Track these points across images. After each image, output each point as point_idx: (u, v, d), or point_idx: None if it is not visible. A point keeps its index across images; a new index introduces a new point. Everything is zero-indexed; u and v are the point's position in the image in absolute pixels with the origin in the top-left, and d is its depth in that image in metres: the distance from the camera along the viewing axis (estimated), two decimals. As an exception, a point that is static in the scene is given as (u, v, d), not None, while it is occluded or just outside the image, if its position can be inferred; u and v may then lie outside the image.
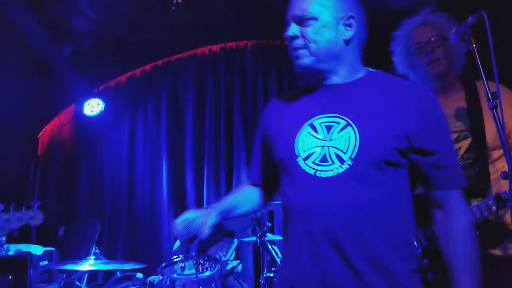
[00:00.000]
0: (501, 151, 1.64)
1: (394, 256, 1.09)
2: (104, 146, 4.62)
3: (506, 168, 1.56)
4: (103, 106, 4.53)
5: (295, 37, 1.21)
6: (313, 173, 1.13)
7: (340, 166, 1.11)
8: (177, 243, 3.39)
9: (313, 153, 1.15)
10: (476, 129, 1.68)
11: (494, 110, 1.20)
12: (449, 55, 1.77)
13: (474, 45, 1.29)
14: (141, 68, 4.80)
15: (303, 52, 1.21)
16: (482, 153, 1.66)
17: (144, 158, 4.55)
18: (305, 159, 1.16)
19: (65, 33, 3.85)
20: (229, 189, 4.33)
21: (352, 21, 1.21)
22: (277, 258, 2.83)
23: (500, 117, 1.15)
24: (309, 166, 1.15)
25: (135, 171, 4.54)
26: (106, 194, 4.49)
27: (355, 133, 1.12)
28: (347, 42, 1.21)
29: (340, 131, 1.15)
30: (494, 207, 1.52)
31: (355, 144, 1.11)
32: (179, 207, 4.30)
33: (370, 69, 1.28)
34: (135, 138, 4.63)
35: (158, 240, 4.27)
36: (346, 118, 1.15)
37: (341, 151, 1.12)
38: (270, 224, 3.26)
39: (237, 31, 4.47)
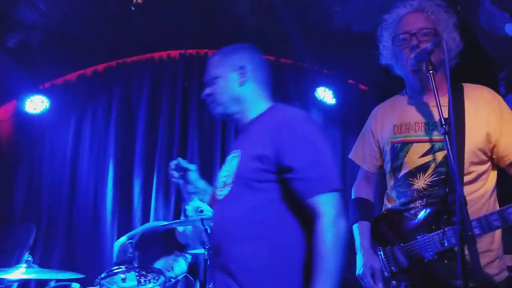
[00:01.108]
0: (483, 168, 1.56)
1: (262, 263, 1.26)
2: (46, 147, 4.33)
3: (486, 189, 1.57)
4: (48, 104, 4.27)
5: (207, 95, 1.56)
6: (217, 197, 1.48)
7: (226, 189, 1.41)
8: (116, 247, 3.24)
9: (220, 181, 1.49)
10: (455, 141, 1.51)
11: (446, 136, 1.24)
12: (436, 54, 1.53)
13: (431, 71, 1.34)
14: (93, 67, 4.60)
15: (213, 104, 1.56)
16: (456, 170, 1.47)
17: (89, 161, 4.32)
18: (217, 188, 1.50)
19: (10, 24, 3.61)
20: (179, 199, 4.21)
21: (244, 69, 1.52)
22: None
23: (452, 144, 1.19)
24: (217, 193, 1.48)
25: (79, 175, 4.29)
26: (45, 197, 4.20)
27: (237, 161, 1.40)
28: (242, 86, 1.51)
29: (232, 161, 1.44)
30: (497, 223, 1.41)
31: (235, 170, 1.39)
32: (124, 216, 4.13)
33: (273, 103, 1.55)
34: (81, 140, 4.38)
35: (100, 249, 4.05)
36: (239, 151, 1.44)
37: (229, 177, 1.42)
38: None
39: (199, 38, 4.43)
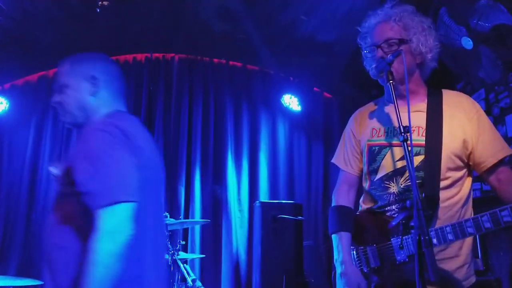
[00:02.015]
0: (459, 174, 1.57)
1: (61, 271, 1.27)
2: (4, 149, 4.16)
3: (461, 195, 1.58)
4: (7, 105, 4.12)
5: (56, 103, 1.49)
6: None
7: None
8: None
9: None
10: (430, 148, 1.54)
11: (405, 143, 1.29)
12: (406, 60, 1.49)
13: (391, 81, 1.40)
14: (56, 68, 4.44)
15: (62, 113, 1.49)
16: (433, 174, 1.52)
17: (49, 165, 4.18)
18: None
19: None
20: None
21: (95, 80, 1.47)
22: (187, 277, 2.75)
23: (410, 151, 1.24)
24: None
25: (38, 178, 4.15)
26: (2, 201, 4.02)
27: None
28: (93, 95, 1.47)
29: None
30: (471, 230, 1.42)
31: None
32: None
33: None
34: (42, 143, 4.25)
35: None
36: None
37: None
38: (183, 242, 3.19)
39: (165, 42, 4.40)
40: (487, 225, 1.38)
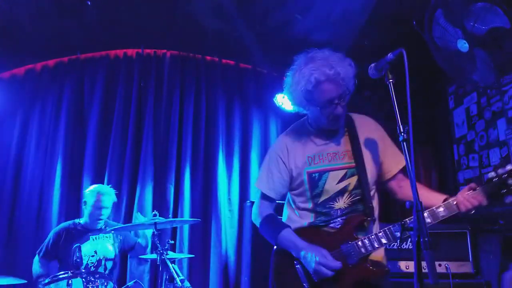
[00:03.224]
0: (375, 186, 1.94)
1: None
2: (-13, 143, 4.06)
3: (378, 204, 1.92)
4: (-7, 98, 4.01)
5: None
6: None
7: None
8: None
9: None
10: (360, 168, 1.85)
11: (405, 143, 1.28)
12: (346, 106, 1.85)
13: (391, 80, 1.39)
14: (44, 62, 4.37)
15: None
16: (367, 189, 1.86)
17: (35, 162, 4.08)
18: None
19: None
20: (130, 206, 4.06)
21: None
22: (176, 277, 2.70)
23: (411, 150, 1.23)
24: None
25: (23, 175, 4.04)
26: (-16, 197, 3.92)
27: None
28: None
29: None
30: (398, 233, 1.69)
31: None
32: (72, 218, 3.90)
33: None
34: (27, 137, 4.14)
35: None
36: None
37: None
38: (172, 242, 3.13)
39: (157, 38, 4.33)
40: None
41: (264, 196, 2.03)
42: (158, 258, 2.58)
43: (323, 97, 1.79)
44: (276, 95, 4.48)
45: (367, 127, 1.97)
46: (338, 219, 1.87)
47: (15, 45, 3.90)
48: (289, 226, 1.92)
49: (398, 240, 1.69)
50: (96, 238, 3.24)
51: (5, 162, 4.03)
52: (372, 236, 1.76)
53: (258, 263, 3.45)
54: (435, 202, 1.72)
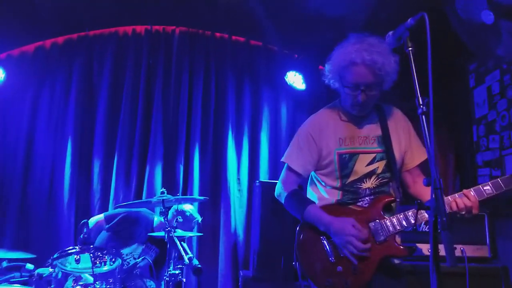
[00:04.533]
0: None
1: None
2: (-1, 120, 4.06)
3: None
4: (3, 76, 3.99)
5: None
6: None
7: None
8: (91, 224, 3.12)
9: None
10: (389, 152, 1.92)
11: (424, 116, 1.20)
12: (377, 97, 1.90)
13: (410, 48, 1.29)
14: (53, 39, 4.32)
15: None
16: (395, 174, 1.94)
17: (46, 138, 4.08)
18: None
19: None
20: (140, 183, 4.05)
21: None
22: (184, 255, 2.68)
23: (430, 123, 1.15)
24: None
25: (34, 151, 4.04)
26: (-4, 174, 3.95)
27: None
28: None
29: None
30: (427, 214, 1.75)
31: None
32: (83, 196, 3.95)
33: None
34: (37, 115, 4.12)
35: (56, 229, 3.85)
36: None
37: None
38: (181, 220, 3.12)
39: (166, 15, 4.23)
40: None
41: (290, 171, 2.07)
42: (166, 235, 2.56)
43: (351, 79, 1.84)
44: (287, 73, 4.37)
45: (397, 118, 2.03)
46: (366, 198, 1.93)
47: (25, 21, 3.85)
48: (311, 203, 1.98)
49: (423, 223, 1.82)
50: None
51: (16, 140, 4.04)
52: (401, 216, 1.82)
53: (267, 243, 3.43)
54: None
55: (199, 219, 3.33)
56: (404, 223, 1.81)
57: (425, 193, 1.90)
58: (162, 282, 2.61)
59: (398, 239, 1.90)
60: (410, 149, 2.00)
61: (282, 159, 2.14)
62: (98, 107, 4.17)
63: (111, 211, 3.54)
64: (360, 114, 1.97)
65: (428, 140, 1.18)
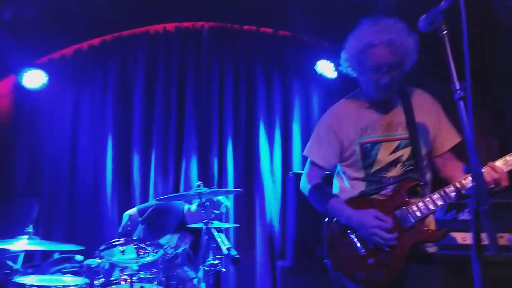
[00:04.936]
0: (427, 159, 1.94)
1: None
2: (45, 121, 4.28)
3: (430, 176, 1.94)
4: (46, 78, 4.18)
5: None
6: None
7: None
8: (125, 218, 3.26)
9: None
10: (414, 139, 1.85)
11: (461, 101, 1.18)
12: (399, 78, 1.83)
13: (445, 32, 1.27)
14: (89, 41, 4.49)
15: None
16: (420, 161, 1.87)
17: (88, 136, 4.29)
18: None
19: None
20: (177, 176, 4.18)
21: None
22: (222, 246, 2.75)
23: (469, 108, 1.13)
24: None
25: (78, 149, 4.26)
26: (46, 172, 4.19)
27: None
28: None
29: None
30: (454, 194, 1.73)
31: None
32: (124, 190, 4.13)
33: None
34: (79, 115, 4.33)
35: (100, 222, 4.07)
36: None
37: None
38: (217, 212, 3.19)
39: (194, 11, 4.30)
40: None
41: (313, 165, 2.06)
42: (204, 227, 2.63)
43: (372, 62, 1.78)
44: (317, 62, 4.33)
45: (423, 101, 1.95)
46: (390, 186, 1.88)
47: (62, 25, 4.00)
48: (334, 197, 1.95)
49: (455, 200, 1.72)
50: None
51: (61, 140, 4.26)
52: (427, 199, 1.77)
53: (303, 234, 3.45)
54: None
55: (227, 203, 3.37)
56: (431, 206, 1.76)
57: (458, 176, 1.81)
58: (201, 267, 2.68)
59: (428, 224, 1.85)
60: (440, 133, 1.91)
61: (304, 153, 2.13)
62: (134, 105, 4.32)
63: (143, 204, 3.68)
64: (385, 98, 1.89)
65: (467, 126, 1.16)
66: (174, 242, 3.29)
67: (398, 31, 1.76)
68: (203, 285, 2.55)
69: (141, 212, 3.33)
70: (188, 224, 3.24)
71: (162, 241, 3.24)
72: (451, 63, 1.23)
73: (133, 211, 3.38)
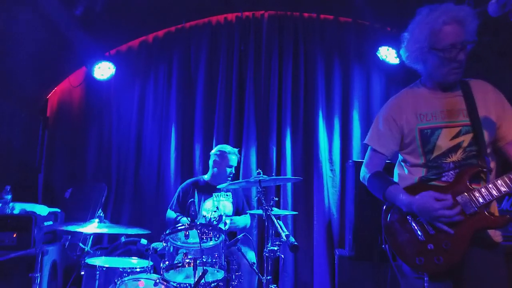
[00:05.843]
0: (491, 146, 1.91)
1: None
2: (113, 111, 4.58)
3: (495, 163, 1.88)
4: (114, 70, 4.45)
5: None
6: None
7: None
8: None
9: None
10: (475, 126, 1.83)
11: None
12: (466, 54, 1.83)
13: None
14: (154, 33, 4.69)
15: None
16: (483, 147, 1.83)
17: (153, 125, 4.52)
18: None
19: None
20: (237, 166, 4.27)
21: None
22: (281, 232, 2.80)
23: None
24: None
25: (144, 137, 4.51)
26: (114, 159, 4.49)
27: None
28: None
29: None
30: None
31: None
32: (187, 176, 4.29)
33: None
34: (145, 104, 4.57)
35: (164, 207, 4.24)
36: None
37: None
38: (277, 199, 3.24)
39: (254, 0, 4.33)
40: None
41: (374, 152, 2.07)
42: (264, 214, 2.68)
43: (448, 40, 1.77)
44: (379, 48, 4.20)
45: (484, 90, 1.93)
46: (451, 171, 1.87)
47: (128, 19, 4.22)
48: (393, 183, 1.94)
49: None
50: (217, 195, 3.59)
51: (128, 128, 4.53)
52: (490, 185, 1.74)
53: (362, 222, 3.41)
54: None
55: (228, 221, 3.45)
56: (494, 192, 1.72)
57: None
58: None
59: (491, 210, 1.81)
60: (506, 121, 1.88)
61: (365, 141, 2.14)
62: (196, 95, 4.47)
63: None
64: (456, 79, 1.88)
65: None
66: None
67: (463, 9, 1.77)
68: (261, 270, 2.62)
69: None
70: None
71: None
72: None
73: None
